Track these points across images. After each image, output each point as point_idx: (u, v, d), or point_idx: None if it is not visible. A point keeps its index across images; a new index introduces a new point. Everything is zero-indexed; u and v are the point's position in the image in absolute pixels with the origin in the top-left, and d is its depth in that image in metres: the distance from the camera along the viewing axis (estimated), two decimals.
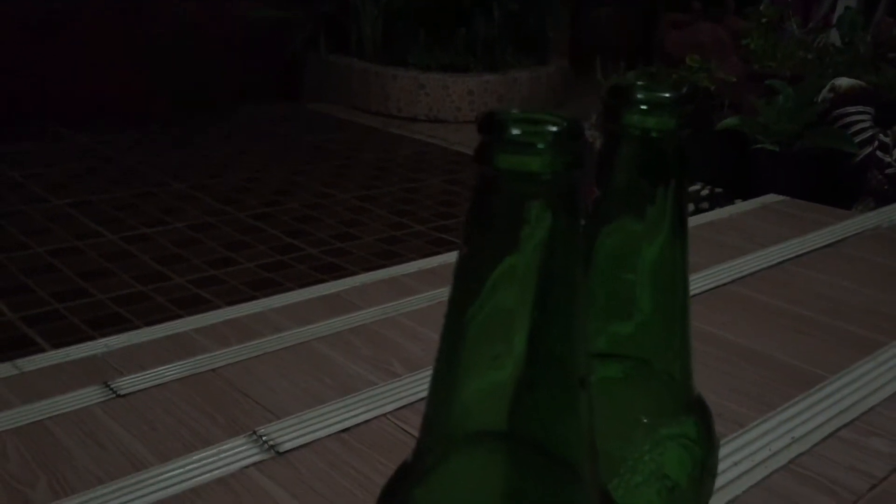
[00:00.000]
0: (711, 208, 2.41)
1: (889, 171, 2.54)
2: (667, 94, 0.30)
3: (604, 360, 0.33)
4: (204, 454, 0.70)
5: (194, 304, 2.34)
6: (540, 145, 0.23)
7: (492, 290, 0.24)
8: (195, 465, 0.69)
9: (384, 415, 0.77)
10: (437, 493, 0.26)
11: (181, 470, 0.68)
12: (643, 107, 0.30)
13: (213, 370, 0.84)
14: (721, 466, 0.69)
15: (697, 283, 1.05)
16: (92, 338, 1.40)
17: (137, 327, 1.30)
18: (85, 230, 2.88)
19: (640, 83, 0.31)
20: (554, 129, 0.23)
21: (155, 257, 2.67)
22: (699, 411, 0.34)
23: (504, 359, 0.25)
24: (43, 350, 1.87)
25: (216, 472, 0.68)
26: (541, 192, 0.23)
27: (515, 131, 0.23)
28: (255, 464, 0.69)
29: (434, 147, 4.14)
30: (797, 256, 1.17)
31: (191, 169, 3.60)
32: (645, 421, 0.33)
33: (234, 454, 0.70)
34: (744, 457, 0.71)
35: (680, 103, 0.30)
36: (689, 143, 0.31)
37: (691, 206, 2.68)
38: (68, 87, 4.04)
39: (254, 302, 1.05)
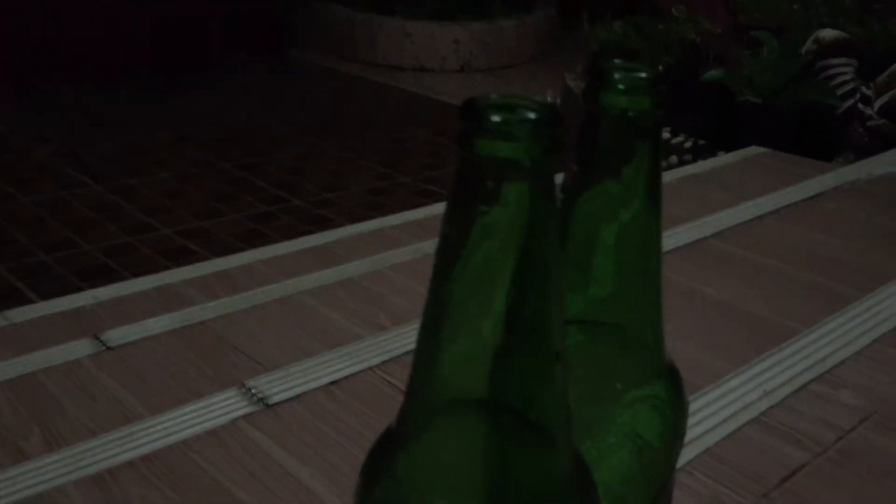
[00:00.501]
0: (694, 160, 2.42)
1: (870, 123, 2.55)
2: (643, 75, 0.32)
3: (579, 326, 0.34)
4: (194, 406, 0.72)
5: (182, 256, 2.35)
6: (519, 133, 0.24)
7: (472, 267, 0.26)
8: (186, 418, 0.70)
9: (371, 368, 0.78)
10: (419, 458, 0.28)
11: (172, 422, 0.70)
12: (620, 87, 0.31)
13: (201, 322, 0.85)
14: (694, 419, 0.71)
15: (677, 237, 1.07)
16: (80, 289, 1.41)
17: (125, 278, 1.31)
18: (71, 181, 2.87)
19: (618, 62, 0.32)
20: (533, 116, 0.25)
21: (141, 208, 2.68)
22: (671, 376, 0.36)
23: (483, 332, 0.26)
24: (32, 301, 1.88)
25: (206, 423, 0.70)
26: (519, 177, 0.25)
27: (496, 119, 0.24)
28: (244, 416, 0.71)
29: (420, 97, 4.13)
30: (776, 210, 1.19)
31: (177, 120, 3.58)
32: (618, 385, 0.35)
33: (224, 406, 0.72)
34: (717, 409, 0.73)
35: (656, 84, 0.32)
36: (663, 122, 0.32)
37: (675, 158, 2.70)
38: (51, 39, 3.99)
39: (241, 254, 1.06)
